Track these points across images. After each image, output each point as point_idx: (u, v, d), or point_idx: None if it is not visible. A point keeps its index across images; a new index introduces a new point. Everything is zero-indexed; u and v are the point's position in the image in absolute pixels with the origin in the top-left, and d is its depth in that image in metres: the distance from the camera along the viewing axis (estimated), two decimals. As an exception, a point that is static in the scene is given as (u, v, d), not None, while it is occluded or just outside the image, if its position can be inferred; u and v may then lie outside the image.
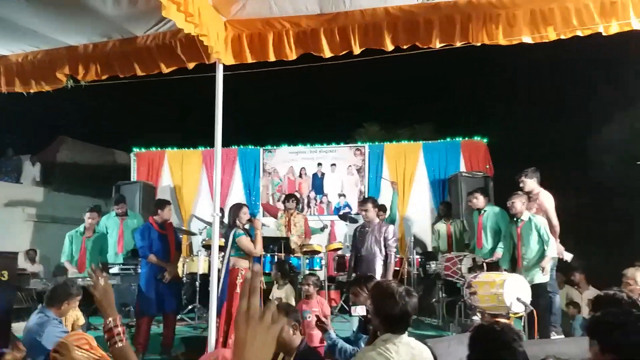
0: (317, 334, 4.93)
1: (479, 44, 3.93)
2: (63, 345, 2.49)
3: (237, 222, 5.38)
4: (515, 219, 5.76)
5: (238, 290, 5.26)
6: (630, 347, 1.94)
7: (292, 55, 4.31)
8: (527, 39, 3.90)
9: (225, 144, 6.44)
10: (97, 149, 14.53)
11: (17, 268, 4.29)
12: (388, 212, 8.38)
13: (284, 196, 8.51)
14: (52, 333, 3.52)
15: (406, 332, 2.60)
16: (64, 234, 7.03)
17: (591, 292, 7.24)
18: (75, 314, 4.89)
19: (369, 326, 2.95)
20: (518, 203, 5.66)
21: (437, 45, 3.97)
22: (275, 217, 8.12)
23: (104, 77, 4.83)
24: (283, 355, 2.98)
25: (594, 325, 2.15)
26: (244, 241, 5.30)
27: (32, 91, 5.08)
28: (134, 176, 9.71)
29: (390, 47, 4.11)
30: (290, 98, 18.02)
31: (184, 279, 7.21)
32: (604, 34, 3.83)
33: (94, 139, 14.80)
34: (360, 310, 3.36)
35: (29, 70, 4.99)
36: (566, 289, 7.71)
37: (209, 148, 9.53)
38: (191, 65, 4.55)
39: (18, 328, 3.86)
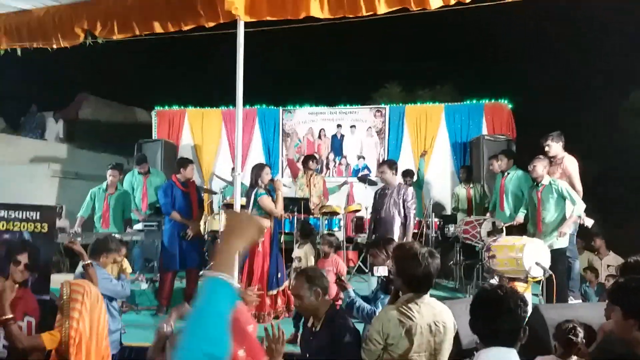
0: (332, 290, 5.04)
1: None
2: (63, 283, 2.97)
3: (259, 181, 5.43)
4: (535, 184, 5.70)
5: (260, 248, 5.36)
6: None
7: (312, 14, 4.19)
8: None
9: (245, 103, 6.41)
10: (118, 106, 14.64)
11: (55, 222, 4.49)
12: (415, 178, 8.36)
13: (303, 157, 8.52)
14: (97, 276, 3.86)
15: (428, 293, 2.63)
16: (88, 189, 7.19)
17: (611, 258, 7.20)
18: (121, 264, 5.17)
19: (391, 286, 2.99)
20: (540, 167, 5.58)
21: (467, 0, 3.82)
22: (295, 176, 8.16)
23: (121, 35, 4.80)
24: (312, 320, 3.03)
25: (616, 291, 2.15)
26: (266, 201, 5.35)
27: (53, 47, 5.09)
28: (155, 134, 9.78)
29: (416, 6, 3.97)
30: (311, 58, 17.78)
31: (206, 236, 7.36)
32: None
33: (115, 96, 14.89)
34: (382, 271, 3.40)
35: (49, 25, 4.97)
36: (586, 254, 7.67)
37: (229, 107, 9.52)
38: (210, 24, 4.48)
39: (54, 280, 4.08)
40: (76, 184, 10.97)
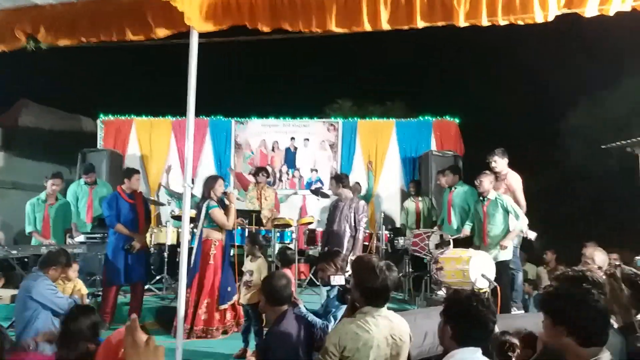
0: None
1: (460, 25, 3.91)
2: None
3: (212, 194, 5.33)
4: (482, 198, 5.89)
5: (211, 261, 5.25)
6: (579, 319, 2.00)
7: (265, 27, 4.20)
8: (507, 20, 3.90)
9: (196, 113, 6.30)
10: (61, 114, 14.00)
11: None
12: (364, 191, 8.49)
13: (254, 169, 8.46)
14: (41, 287, 3.94)
15: (385, 306, 2.65)
16: (26, 200, 6.84)
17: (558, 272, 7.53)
18: (73, 284, 5.10)
19: (347, 296, 3.00)
20: (486, 182, 5.78)
21: (420, 25, 3.93)
22: (246, 189, 8.08)
23: (66, 42, 4.63)
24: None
25: (545, 299, 2.21)
26: (217, 214, 5.26)
27: (-10, 50, 4.85)
28: (100, 144, 9.44)
29: (368, 27, 4.05)
30: (264, 69, 17.79)
31: (152, 249, 7.14)
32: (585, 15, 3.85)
33: (59, 103, 14.27)
34: (338, 280, 3.40)
35: (-12, 29, 4.74)
36: (530, 266, 8.00)
37: (179, 117, 9.34)
38: (160, 35, 4.39)
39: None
40: (13, 194, 10.41)
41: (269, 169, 9.12)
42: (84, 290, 5.28)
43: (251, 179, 8.19)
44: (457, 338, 2.23)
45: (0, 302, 5.56)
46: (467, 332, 2.22)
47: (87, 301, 5.39)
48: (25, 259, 5.97)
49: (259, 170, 7.93)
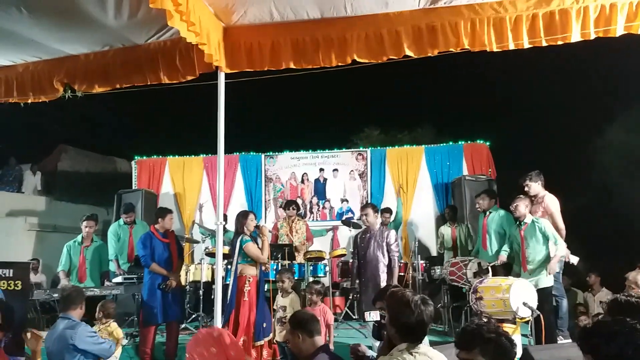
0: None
1: (486, 50, 3.91)
2: None
3: (245, 229, 5.35)
4: (518, 222, 5.73)
5: (246, 298, 5.22)
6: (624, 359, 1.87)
7: (290, 65, 4.29)
8: (533, 44, 3.89)
9: (227, 150, 6.41)
10: (98, 157, 14.52)
11: (29, 278, 4.36)
12: (393, 217, 8.38)
13: (284, 202, 8.51)
14: (83, 335, 3.84)
15: (423, 341, 2.57)
16: (66, 242, 7.01)
17: (604, 295, 7.20)
18: (109, 329, 4.98)
19: (383, 331, 2.92)
20: (522, 206, 5.63)
21: (440, 51, 3.95)
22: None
23: (100, 89, 4.83)
24: None
25: (585, 338, 2.05)
26: (251, 248, 5.27)
27: (30, 101, 5.09)
28: (135, 184, 9.68)
29: (390, 56, 4.09)
30: (291, 104, 18.04)
31: (187, 287, 7.17)
32: (593, 36, 3.84)
33: (95, 147, 14.80)
34: (374, 315, 3.33)
35: (27, 80, 4.99)
36: (579, 292, 7.71)
37: (210, 155, 9.51)
38: (189, 78, 4.54)
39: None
40: (54, 237, 10.72)
41: (299, 201, 9.14)
42: (119, 334, 5.14)
43: (282, 213, 8.21)
44: None
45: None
46: None
47: (124, 343, 5.40)
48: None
49: (288, 204, 7.95)
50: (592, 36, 3.86)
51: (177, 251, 5.95)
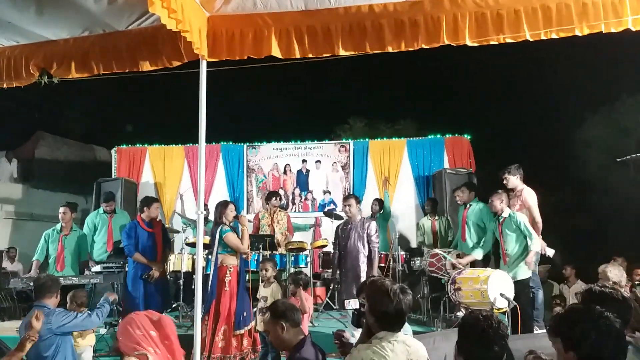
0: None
1: (467, 44, 3.93)
2: None
3: (224, 219, 5.34)
4: (496, 217, 5.82)
5: (227, 288, 5.23)
6: (589, 346, 1.93)
7: (273, 54, 4.26)
8: (516, 39, 3.92)
9: (208, 140, 6.38)
10: (76, 145, 14.28)
11: (1, 266, 4.27)
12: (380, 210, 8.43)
13: (266, 194, 8.50)
14: (59, 317, 3.81)
15: (402, 330, 2.60)
16: (43, 231, 6.91)
17: (579, 287, 7.37)
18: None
19: (362, 319, 2.95)
20: (497, 201, 5.71)
21: (423, 46, 3.97)
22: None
23: (78, 75, 4.73)
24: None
25: (556, 323, 2.13)
26: (231, 238, 5.26)
27: (5, 87, 4.97)
28: (114, 173, 9.56)
29: (374, 49, 4.09)
30: (275, 94, 17.96)
31: (168, 276, 7.14)
32: (579, 34, 3.88)
33: (73, 134, 14.54)
34: (353, 304, 3.35)
35: (2, 65, 4.86)
36: (553, 283, 7.86)
37: (191, 144, 9.43)
38: (174, 64, 4.48)
39: (5, 327, 3.86)
40: (31, 225, 10.56)
41: (282, 192, 9.13)
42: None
43: (262, 204, 8.20)
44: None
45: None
46: (473, 355, 2.23)
47: (103, 332, 5.36)
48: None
49: (270, 195, 7.95)
50: (577, 32, 3.90)
51: (163, 241, 5.91)
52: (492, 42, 3.91)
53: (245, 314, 5.28)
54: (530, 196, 5.95)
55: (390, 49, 4.03)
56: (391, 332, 2.53)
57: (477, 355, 2.22)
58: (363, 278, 5.70)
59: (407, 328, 3.16)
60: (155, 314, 2.86)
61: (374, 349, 2.47)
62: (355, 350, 2.60)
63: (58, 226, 6.78)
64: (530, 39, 3.94)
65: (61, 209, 6.77)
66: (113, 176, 9.42)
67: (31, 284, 5.77)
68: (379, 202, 8.30)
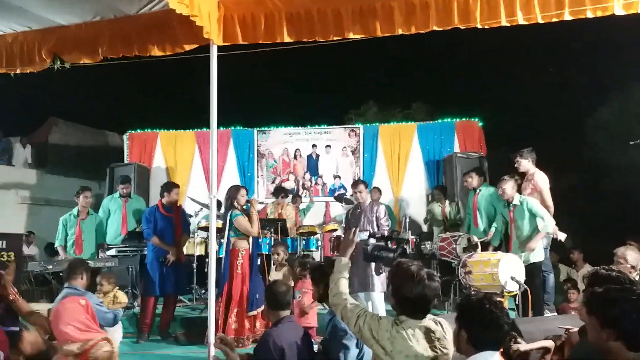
0: (311, 313, 5.01)
1: (478, 26, 3.89)
2: None
3: (235, 203, 5.39)
4: (507, 204, 5.79)
5: (239, 270, 5.30)
6: (629, 323, 1.97)
7: (284, 39, 4.26)
8: (528, 21, 3.86)
9: (219, 125, 6.41)
10: (89, 130, 14.37)
11: (22, 250, 4.37)
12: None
13: (273, 188, 8.56)
14: (92, 303, 3.80)
15: (427, 317, 2.42)
16: (59, 216, 7.01)
17: (587, 271, 7.34)
18: (114, 294, 5.29)
19: (376, 252, 3.05)
20: (508, 188, 5.66)
21: (434, 28, 3.93)
22: None
23: (88, 60, 4.76)
24: None
25: (594, 300, 2.15)
26: (242, 221, 5.32)
27: (18, 72, 5.02)
28: (127, 158, 9.64)
29: (384, 32, 4.06)
30: (285, 79, 17.90)
31: (188, 260, 7.24)
32: (591, 16, 3.81)
33: (86, 120, 14.65)
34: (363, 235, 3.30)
35: (16, 50, 4.91)
36: (564, 268, 7.84)
37: (202, 129, 9.47)
38: (187, 48, 4.49)
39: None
40: (46, 210, 10.71)
41: (292, 177, 9.17)
42: (124, 299, 5.42)
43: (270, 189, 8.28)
44: (473, 343, 2.20)
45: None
46: (481, 335, 2.19)
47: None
48: (61, 273, 6.12)
49: (277, 191, 8.02)
50: (589, 14, 3.84)
51: (182, 225, 5.99)
52: (503, 24, 3.86)
53: (257, 295, 5.35)
54: (542, 180, 5.91)
55: (400, 32, 3.99)
56: (413, 319, 2.38)
57: (488, 336, 2.20)
58: (372, 263, 5.73)
59: None
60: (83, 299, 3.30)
61: (397, 329, 2.36)
62: (386, 319, 2.47)
63: (75, 211, 6.87)
64: (542, 21, 3.89)
65: (82, 194, 6.85)
66: (125, 161, 9.50)
67: (49, 267, 5.94)
68: (378, 191, 8.27)
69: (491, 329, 2.18)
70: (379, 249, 3.30)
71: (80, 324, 3.37)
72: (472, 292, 2.48)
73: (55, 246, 6.99)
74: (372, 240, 3.39)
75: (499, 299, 2.41)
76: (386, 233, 6.06)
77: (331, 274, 2.77)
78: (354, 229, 3.02)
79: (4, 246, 4.26)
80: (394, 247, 3.32)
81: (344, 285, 2.70)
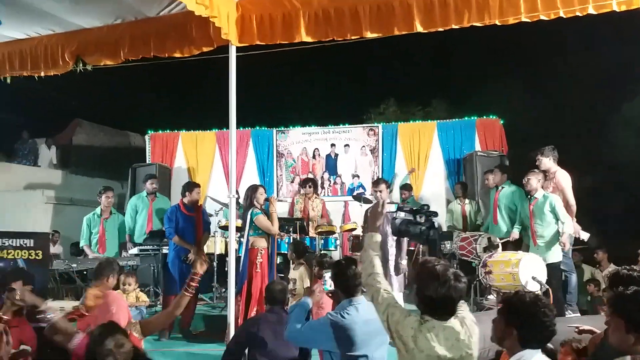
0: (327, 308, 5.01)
1: (497, 23, 3.85)
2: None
3: (255, 202, 5.44)
4: (529, 197, 5.73)
5: (258, 269, 5.34)
6: None
7: (302, 39, 4.27)
8: (548, 16, 3.80)
9: (238, 125, 6.44)
10: (112, 131, 14.64)
11: (49, 248, 4.48)
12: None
13: (300, 180, 8.55)
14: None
15: (452, 317, 2.33)
16: (82, 215, 7.15)
17: (611, 270, 7.21)
18: (135, 294, 5.45)
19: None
20: (534, 180, 5.62)
21: (453, 26, 3.90)
22: None
23: (110, 62, 4.86)
24: None
25: (620, 302, 2.11)
26: (262, 220, 5.36)
27: (42, 74, 5.15)
28: (149, 158, 9.78)
29: (402, 30, 4.05)
30: (303, 78, 17.91)
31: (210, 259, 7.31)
32: (616, 9, 3.73)
33: (109, 121, 14.92)
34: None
35: (40, 53, 5.04)
36: (588, 268, 7.71)
37: (222, 130, 9.55)
38: (205, 49, 4.55)
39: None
40: (71, 209, 10.92)
41: (310, 176, 9.18)
42: (145, 298, 5.57)
43: (296, 187, 8.28)
44: (521, 340, 2.19)
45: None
46: (533, 335, 2.19)
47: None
48: (85, 272, 6.25)
49: (305, 182, 8.02)
50: (614, 7, 3.76)
51: (203, 224, 6.06)
52: (524, 20, 3.81)
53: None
54: (564, 178, 5.83)
55: (419, 30, 3.97)
56: (437, 320, 2.29)
57: (539, 336, 2.21)
58: (391, 262, 5.70)
59: None
60: None
61: (421, 328, 2.29)
62: (411, 315, 2.39)
63: (98, 210, 7.01)
64: (565, 16, 3.82)
65: (105, 194, 6.98)
66: (147, 161, 9.64)
67: (74, 265, 6.08)
68: (408, 188, 8.26)
69: (543, 330, 2.19)
70: (407, 223, 3.23)
71: (126, 314, 3.53)
72: (520, 291, 2.44)
73: (80, 246, 7.14)
74: (401, 214, 3.32)
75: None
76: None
77: (361, 252, 2.71)
78: (382, 201, 2.99)
79: (32, 245, 4.38)
80: (423, 221, 3.25)
81: (378, 264, 2.59)
